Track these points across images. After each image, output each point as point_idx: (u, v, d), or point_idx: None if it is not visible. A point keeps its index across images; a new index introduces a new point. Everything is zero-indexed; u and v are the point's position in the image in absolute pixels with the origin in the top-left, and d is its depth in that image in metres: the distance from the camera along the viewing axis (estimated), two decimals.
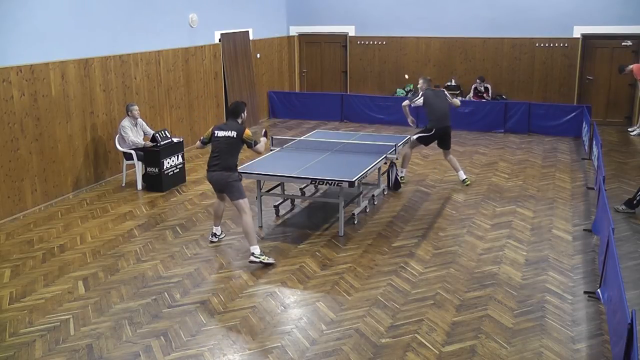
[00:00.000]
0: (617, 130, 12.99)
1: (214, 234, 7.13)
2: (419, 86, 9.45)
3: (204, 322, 5.33)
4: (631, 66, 12.25)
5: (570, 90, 13.72)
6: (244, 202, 6.54)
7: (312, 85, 16.13)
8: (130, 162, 9.17)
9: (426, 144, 9.48)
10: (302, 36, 15.94)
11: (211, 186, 6.89)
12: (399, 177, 9.13)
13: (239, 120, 6.67)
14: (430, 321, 5.27)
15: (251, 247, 6.47)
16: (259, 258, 6.41)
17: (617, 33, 13.02)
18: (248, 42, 13.67)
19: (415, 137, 9.33)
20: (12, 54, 7.87)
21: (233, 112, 6.71)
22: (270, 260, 6.47)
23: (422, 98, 9.15)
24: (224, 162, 6.52)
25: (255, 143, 6.61)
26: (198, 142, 6.95)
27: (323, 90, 15.73)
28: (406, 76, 12.33)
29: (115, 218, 8.00)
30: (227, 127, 6.60)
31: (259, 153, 6.86)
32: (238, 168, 6.74)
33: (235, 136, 6.50)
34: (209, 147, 6.79)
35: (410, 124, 9.72)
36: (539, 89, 13.99)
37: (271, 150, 8.54)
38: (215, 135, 6.58)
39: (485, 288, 5.88)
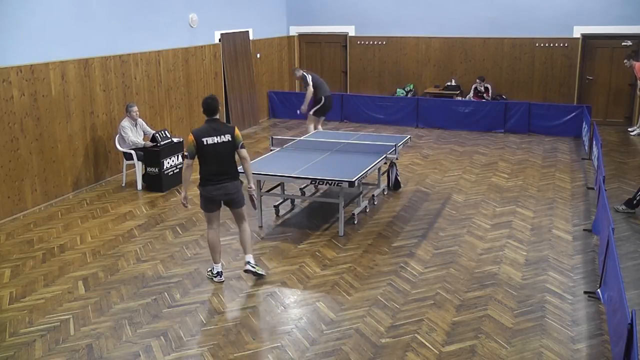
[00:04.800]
0: (617, 130, 12.99)
1: (219, 273, 6.13)
2: (299, 75, 11.01)
3: (204, 322, 5.33)
4: (635, 63, 12.22)
5: (570, 90, 13.72)
6: (245, 208, 6.15)
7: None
8: (130, 162, 9.17)
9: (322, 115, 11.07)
10: (302, 36, 15.93)
11: (207, 203, 5.92)
12: None
13: (217, 116, 5.88)
14: (430, 321, 5.27)
15: (247, 256, 6.09)
16: (254, 268, 6.06)
17: (617, 33, 13.02)
18: (248, 42, 13.67)
19: (311, 112, 10.97)
20: (12, 54, 7.87)
21: (214, 109, 5.83)
22: (262, 272, 6.11)
23: (311, 82, 10.72)
24: (230, 170, 5.86)
25: (243, 145, 5.92)
26: (185, 159, 6.02)
27: None
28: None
29: (115, 218, 8.00)
30: (217, 130, 5.76)
31: (244, 158, 5.94)
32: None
33: (230, 139, 5.79)
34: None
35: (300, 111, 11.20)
36: (539, 89, 13.98)
37: (271, 150, 8.54)
38: (205, 143, 5.69)
39: (485, 288, 5.88)
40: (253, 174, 6.48)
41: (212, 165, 5.79)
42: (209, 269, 6.26)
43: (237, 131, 5.88)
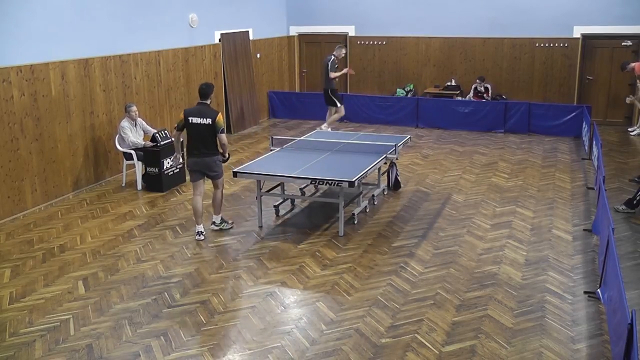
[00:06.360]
0: (617, 130, 12.99)
1: (199, 232, 7.22)
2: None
3: (204, 322, 5.34)
4: (633, 64, 12.23)
5: (570, 90, 13.72)
6: (222, 179, 7.26)
7: (312, 85, 16.11)
8: (130, 162, 9.18)
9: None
10: (302, 36, 15.93)
11: (191, 173, 7.08)
12: None
13: (209, 102, 6.97)
14: (430, 321, 5.27)
15: (215, 216, 7.41)
16: (219, 226, 7.37)
17: (617, 33, 13.02)
18: (248, 42, 13.67)
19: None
20: (12, 54, 7.87)
21: (207, 94, 6.94)
22: (229, 226, 7.44)
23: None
24: (206, 146, 6.87)
25: (223, 131, 6.90)
26: (174, 130, 7.20)
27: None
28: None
29: (115, 218, 8.01)
30: (201, 113, 6.84)
31: (223, 143, 6.97)
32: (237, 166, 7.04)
33: (210, 123, 6.81)
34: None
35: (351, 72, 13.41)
36: (539, 89, 13.98)
37: (271, 150, 8.55)
38: (190, 121, 6.84)
39: (485, 288, 5.88)
40: (252, 173, 7.30)
41: (193, 141, 6.91)
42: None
43: (218, 117, 6.87)
